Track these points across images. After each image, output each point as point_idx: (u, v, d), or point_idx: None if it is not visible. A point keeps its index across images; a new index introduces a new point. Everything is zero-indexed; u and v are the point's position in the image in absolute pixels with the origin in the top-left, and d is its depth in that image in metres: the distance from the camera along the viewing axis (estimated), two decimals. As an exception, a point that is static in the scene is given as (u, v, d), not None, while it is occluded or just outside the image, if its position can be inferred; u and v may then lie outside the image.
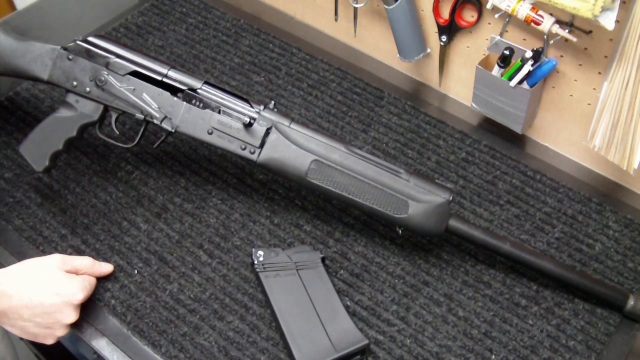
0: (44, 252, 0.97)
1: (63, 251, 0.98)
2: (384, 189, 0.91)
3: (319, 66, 1.24)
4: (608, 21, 0.87)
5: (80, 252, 0.98)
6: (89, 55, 0.97)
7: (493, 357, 0.88)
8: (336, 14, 1.24)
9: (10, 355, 1.17)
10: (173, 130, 0.96)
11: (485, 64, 1.06)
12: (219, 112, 0.95)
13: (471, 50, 1.11)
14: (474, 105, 1.11)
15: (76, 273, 0.90)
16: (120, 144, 1.01)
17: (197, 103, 0.95)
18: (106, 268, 0.94)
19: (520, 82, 1.01)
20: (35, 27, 1.32)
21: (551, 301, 0.94)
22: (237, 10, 1.36)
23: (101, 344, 0.90)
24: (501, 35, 1.04)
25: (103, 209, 1.03)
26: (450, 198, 0.91)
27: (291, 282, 0.91)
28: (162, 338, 0.89)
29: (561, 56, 1.00)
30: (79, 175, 1.07)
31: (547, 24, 0.95)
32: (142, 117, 0.96)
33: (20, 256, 0.97)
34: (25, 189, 1.05)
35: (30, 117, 1.14)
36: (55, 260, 0.88)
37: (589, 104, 1.02)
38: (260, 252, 0.93)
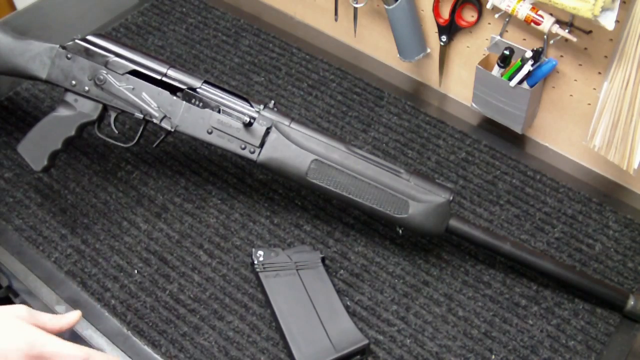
0: (43, 252, 0.97)
1: (63, 251, 0.98)
2: (384, 188, 0.91)
3: (319, 66, 1.24)
4: (608, 21, 0.87)
5: (80, 252, 0.98)
6: (88, 54, 0.97)
7: (493, 357, 0.88)
8: (336, 14, 1.24)
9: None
10: (172, 130, 0.95)
11: (485, 64, 1.06)
12: (219, 112, 0.95)
13: (471, 50, 1.11)
14: (474, 105, 1.11)
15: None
16: (120, 144, 1.01)
17: (197, 102, 0.95)
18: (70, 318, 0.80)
19: (520, 82, 1.01)
20: (35, 27, 1.32)
21: (551, 301, 0.94)
22: (237, 10, 1.36)
23: (101, 344, 0.90)
24: (501, 35, 1.04)
25: (103, 209, 1.03)
26: (451, 198, 0.91)
27: (291, 282, 0.91)
28: (162, 338, 0.89)
29: (561, 56, 1.00)
30: (79, 175, 1.07)
31: (547, 24, 0.95)
32: (142, 116, 0.96)
33: (20, 256, 0.97)
34: (25, 189, 1.05)
35: (30, 117, 1.14)
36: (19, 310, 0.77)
37: (589, 104, 1.02)
38: (260, 252, 0.93)
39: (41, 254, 0.98)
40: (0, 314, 0.76)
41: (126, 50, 0.97)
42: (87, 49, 0.97)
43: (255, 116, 0.94)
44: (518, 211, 1.03)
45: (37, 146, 0.97)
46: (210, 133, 0.95)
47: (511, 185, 1.06)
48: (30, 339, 0.74)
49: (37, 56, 0.98)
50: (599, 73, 0.98)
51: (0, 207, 1.03)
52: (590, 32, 0.94)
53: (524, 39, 1.02)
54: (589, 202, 1.04)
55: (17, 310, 0.77)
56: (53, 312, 0.92)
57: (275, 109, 0.95)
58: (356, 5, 1.18)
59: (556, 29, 0.95)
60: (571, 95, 1.03)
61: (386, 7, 1.10)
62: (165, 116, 0.95)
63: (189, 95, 0.95)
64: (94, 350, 0.78)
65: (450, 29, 1.10)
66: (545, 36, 0.98)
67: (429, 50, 1.15)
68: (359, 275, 0.96)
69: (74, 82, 0.97)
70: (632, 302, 0.91)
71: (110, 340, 0.90)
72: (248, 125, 0.93)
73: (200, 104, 0.95)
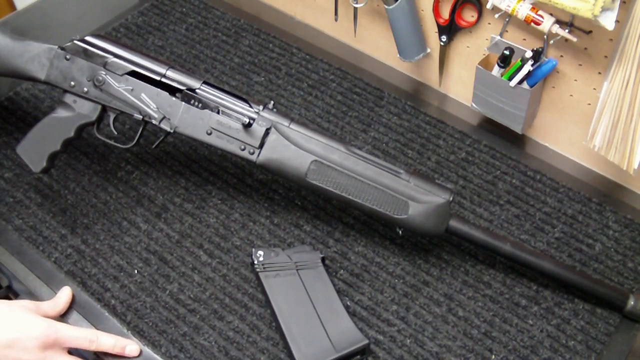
0: (43, 252, 0.97)
1: (63, 251, 0.98)
2: (384, 189, 0.91)
3: (319, 66, 1.24)
4: (608, 21, 0.87)
5: (80, 252, 0.98)
6: (87, 55, 0.96)
7: (493, 357, 0.88)
8: (336, 14, 1.24)
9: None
10: (172, 131, 0.95)
11: (485, 64, 1.06)
12: (218, 113, 0.94)
13: (471, 50, 1.11)
14: (474, 105, 1.11)
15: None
16: (119, 145, 1.01)
17: (196, 103, 0.95)
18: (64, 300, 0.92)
19: (520, 82, 1.01)
20: (35, 27, 1.32)
21: (551, 301, 0.94)
22: (237, 10, 1.36)
23: (101, 344, 0.90)
24: (501, 35, 1.04)
25: (103, 209, 1.03)
26: (451, 198, 0.91)
27: (291, 282, 0.91)
28: (162, 338, 0.89)
29: (561, 56, 1.00)
30: (79, 175, 1.07)
31: (547, 24, 0.95)
32: (141, 117, 0.96)
33: (20, 256, 0.97)
34: (25, 189, 1.05)
35: (30, 117, 1.14)
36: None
37: (589, 104, 1.02)
38: (260, 252, 0.93)
39: (41, 254, 0.98)
40: (10, 307, 0.85)
41: (125, 50, 0.97)
42: (85, 50, 0.97)
43: (255, 117, 0.94)
44: (518, 211, 1.03)
45: (36, 148, 0.97)
46: (209, 134, 0.95)
47: (511, 185, 1.06)
48: (44, 327, 0.84)
49: (35, 57, 0.98)
50: (599, 73, 0.98)
51: (0, 207, 1.03)
52: (590, 32, 0.94)
53: (524, 39, 1.02)
54: (589, 202, 1.04)
55: (23, 303, 0.87)
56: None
57: (275, 110, 0.95)
58: (356, 5, 1.18)
59: (556, 29, 0.95)
60: (571, 95, 1.03)
61: (386, 7, 1.10)
62: (164, 117, 0.95)
63: (188, 96, 0.95)
64: (100, 331, 0.88)
65: (450, 29, 1.10)
66: (545, 36, 0.98)
67: (429, 50, 1.15)
68: (359, 275, 0.96)
69: (72, 83, 0.97)
70: (632, 302, 0.91)
71: (110, 340, 0.90)
72: (247, 126, 0.93)
73: (200, 105, 0.95)
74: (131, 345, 0.88)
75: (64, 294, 0.92)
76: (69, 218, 1.02)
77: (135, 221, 1.01)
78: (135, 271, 0.96)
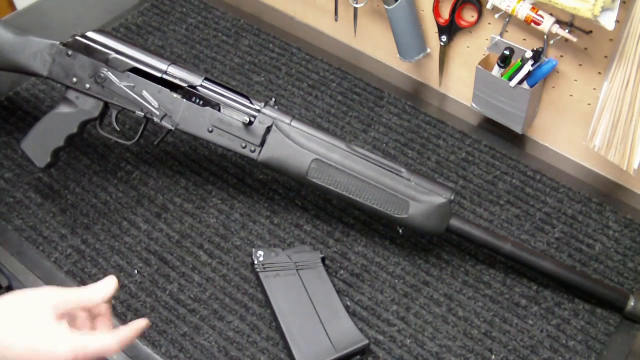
0: (43, 252, 0.97)
1: (63, 251, 0.97)
2: (384, 188, 0.91)
3: (319, 66, 1.24)
4: (608, 21, 0.87)
5: (80, 252, 0.98)
6: (88, 51, 0.96)
7: (493, 357, 0.88)
8: (336, 14, 1.24)
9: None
10: (173, 128, 0.95)
11: (485, 64, 1.06)
12: (219, 110, 0.94)
13: (471, 50, 1.11)
14: (474, 105, 1.11)
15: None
16: (122, 141, 1.01)
17: (197, 100, 0.95)
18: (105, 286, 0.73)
19: (520, 82, 1.01)
20: (35, 27, 1.32)
21: (551, 301, 0.94)
22: (237, 10, 1.36)
23: (101, 344, 0.90)
24: (501, 35, 1.04)
25: (103, 209, 1.03)
26: (452, 197, 0.91)
27: (291, 282, 0.91)
28: (162, 338, 0.89)
29: (561, 56, 1.00)
30: (79, 175, 1.07)
31: (547, 24, 0.95)
32: (142, 114, 0.96)
33: (20, 256, 0.97)
34: (25, 189, 1.05)
35: (30, 117, 1.14)
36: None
37: (589, 104, 1.02)
38: (260, 252, 0.93)
39: (41, 254, 0.98)
40: (36, 309, 0.68)
41: (126, 46, 0.96)
42: (87, 46, 0.96)
43: (256, 114, 0.94)
44: (518, 211, 1.03)
45: (40, 143, 0.97)
46: (210, 131, 0.94)
47: (511, 185, 1.06)
48: (73, 345, 0.68)
49: (37, 53, 0.98)
50: (599, 73, 0.98)
51: (0, 207, 1.03)
52: (590, 32, 0.94)
53: (524, 39, 1.02)
54: (589, 202, 1.04)
55: (50, 299, 0.70)
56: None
57: (276, 107, 0.95)
58: (356, 5, 1.18)
59: (556, 29, 0.95)
60: (571, 95, 1.03)
61: (386, 7, 1.10)
62: (165, 114, 0.95)
63: (189, 93, 0.95)
64: (121, 332, 0.72)
65: (450, 29, 1.10)
66: (545, 36, 0.98)
67: (429, 50, 1.15)
68: (359, 275, 0.96)
69: (74, 80, 0.97)
70: (633, 303, 0.91)
71: (110, 340, 0.90)
72: (249, 124, 0.93)
73: (201, 102, 0.95)
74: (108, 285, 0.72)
75: (110, 283, 0.73)
76: (69, 218, 1.02)
77: (135, 221, 1.01)
78: (135, 271, 0.96)
